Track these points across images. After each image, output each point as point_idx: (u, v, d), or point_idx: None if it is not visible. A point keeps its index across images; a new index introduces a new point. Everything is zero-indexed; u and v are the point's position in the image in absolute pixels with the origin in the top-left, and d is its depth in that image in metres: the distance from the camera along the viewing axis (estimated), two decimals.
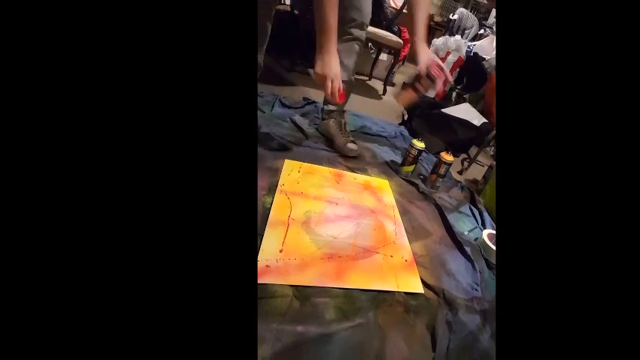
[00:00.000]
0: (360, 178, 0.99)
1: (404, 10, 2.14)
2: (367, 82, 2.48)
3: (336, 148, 1.11)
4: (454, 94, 2.28)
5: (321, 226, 0.73)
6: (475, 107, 1.71)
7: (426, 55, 0.96)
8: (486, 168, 1.29)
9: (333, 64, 0.85)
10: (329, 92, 0.87)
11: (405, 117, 1.65)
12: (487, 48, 2.29)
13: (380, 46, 2.17)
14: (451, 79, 0.91)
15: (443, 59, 2.21)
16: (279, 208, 0.74)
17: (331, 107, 1.16)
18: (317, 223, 0.73)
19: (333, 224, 0.75)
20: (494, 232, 0.88)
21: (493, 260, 0.80)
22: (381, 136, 1.38)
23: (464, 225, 0.94)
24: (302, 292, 0.56)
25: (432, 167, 1.07)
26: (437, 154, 1.26)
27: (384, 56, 2.55)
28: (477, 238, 0.88)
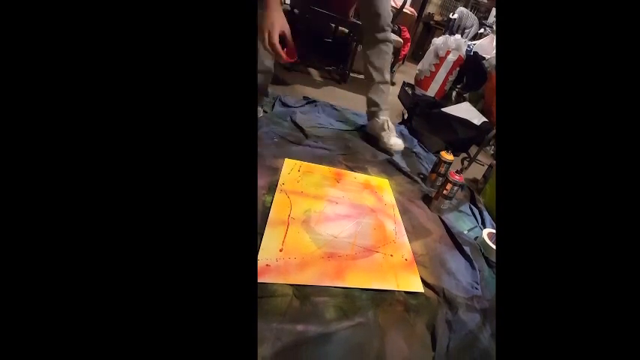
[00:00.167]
0: (360, 177, 0.99)
1: (404, 10, 2.14)
2: None
3: (381, 145, 1.19)
4: (454, 94, 2.28)
5: (321, 225, 0.73)
6: (475, 106, 1.71)
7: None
8: (486, 167, 1.29)
9: (271, 17, 0.78)
10: (266, 45, 0.80)
11: (405, 116, 1.65)
12: (487, 47, 2.29)
13: None
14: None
15: (443, 58, 2.21)
16: (279, 207, 0.74)
17: (373, 109, 1.21)
18: (317, 223, 0.73)
19: (333, 223, 0.75)
20: (494, 231, 0.88)
21: (493, 259, 0.80)
22: None
23: (464, 224, 0.94)
24: (302, 292, 0.56)
25: (432, 166, 1.07)
26: (437, 153, 1.26)
27: None
28: (477, 237, 0.88)
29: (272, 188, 0.80)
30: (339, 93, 1.81)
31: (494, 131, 1.39)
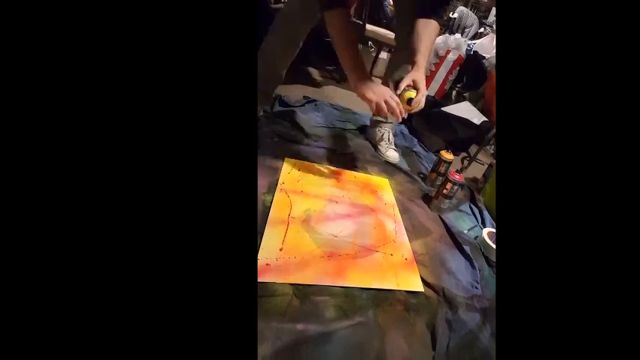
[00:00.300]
0: (360, 176, 0.99)
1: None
2: None
3: (378, 153, 1.18)
4: (454, 93, 2.28)
5: (321, 224, 0.73)
6: (475, 106, 1.71)
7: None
8: (486, 166, 1.29)
9: (374, 89, 0.78)
10: (386, 113, 0.80)
11: (405, 115, 1.65)
12: (487, 46, 2.29)
13: (380, 44, 2.17)
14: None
15: (443, 58, 2.20)
16: (279, 207, 0.74)
17: (378, 118, 1.19)
18: (317, 222, 0.73)
19: (333, 223, 0.75)
20: (494, 230, 0.88)
21: (493, 258, 0.80)
22: None
23: (464, 223, 0.94)
24: (302, 291, 0.56)
25: (432, 166, 1.07)
26: (437, 152, 1.26)
27: (384, 55, 2.54)
28: (477, 237, 0.88)
29: (272, 187, 0.80)
30: (339, 92, 1.81)
31: (494, 130, 1.39)
